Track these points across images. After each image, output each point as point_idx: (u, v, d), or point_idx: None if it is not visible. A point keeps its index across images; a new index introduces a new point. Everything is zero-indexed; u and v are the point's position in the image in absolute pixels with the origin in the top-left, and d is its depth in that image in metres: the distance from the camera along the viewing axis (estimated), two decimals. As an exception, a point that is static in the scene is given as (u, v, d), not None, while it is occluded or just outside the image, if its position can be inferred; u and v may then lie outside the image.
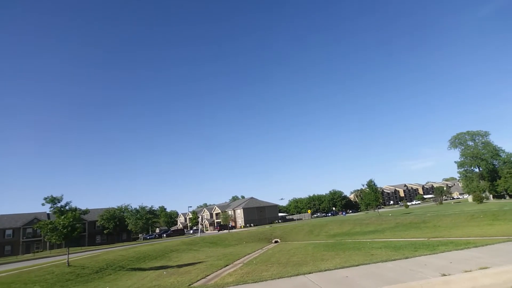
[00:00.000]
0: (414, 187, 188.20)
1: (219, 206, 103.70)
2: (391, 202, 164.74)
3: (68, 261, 24.72)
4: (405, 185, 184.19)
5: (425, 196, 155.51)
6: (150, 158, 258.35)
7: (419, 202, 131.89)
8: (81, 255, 33.78)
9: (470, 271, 6.62)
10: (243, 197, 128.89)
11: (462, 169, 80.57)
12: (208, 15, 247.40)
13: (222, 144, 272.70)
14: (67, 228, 23.25)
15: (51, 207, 24.55)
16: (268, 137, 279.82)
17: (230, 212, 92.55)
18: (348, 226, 45.70)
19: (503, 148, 78.04)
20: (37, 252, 59.91)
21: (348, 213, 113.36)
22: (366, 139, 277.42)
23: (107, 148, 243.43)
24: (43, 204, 24.60)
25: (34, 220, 65.61)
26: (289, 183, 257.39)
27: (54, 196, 24.54)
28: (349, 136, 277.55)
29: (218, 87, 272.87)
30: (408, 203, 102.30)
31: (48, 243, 60.06)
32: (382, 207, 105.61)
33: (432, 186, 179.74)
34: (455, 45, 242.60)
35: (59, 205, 24.55)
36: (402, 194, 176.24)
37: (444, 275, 6.53)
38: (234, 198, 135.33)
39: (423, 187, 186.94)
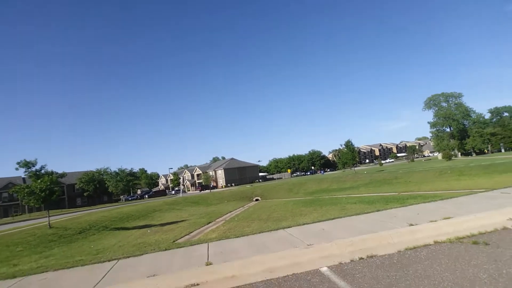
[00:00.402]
0: (389, 146, 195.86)
1: (200, 167, 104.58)
2: (367, 160, 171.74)
3: (49, 223, 24.68)
4: (380, 145, 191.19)
5: (398, 155, 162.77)
6: (129, 119, 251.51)
7: (392, 160, 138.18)
8: (62, 217, 33.74)
9: (435, 221, 7.18)
10: (223, 158, 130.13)
11: (434, 129, 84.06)
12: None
13: (202, 103, 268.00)
14: (45, 192, 22.91)
15: (25, 171, 23.94)
16: (248, 97, 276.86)
17: (211, 173, 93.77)
18: (325, 184, 47.67)
19: (474, 109, 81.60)
20: (16, 215, 59.20)
21: (326, 171, 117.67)
22: (345, 100, 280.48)
23: (84, 109, 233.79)
24: (16, 169, 23.94)
25: (9, 184, 64.06)
26: (270, 143, 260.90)
27: (27, 160, 23.81)
28: (329, 97, 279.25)
29: (203, 43, 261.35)
30: (383, 161, 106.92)
31: (26, 207, 59.36)
32: (358, 166, 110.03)
33: (406, 145, 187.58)
34: (437, 8, 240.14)
35: (33, 169, 23.94)
36: (377, 153, 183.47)
37: (412, 224, 7.07)
38: (215, 159, 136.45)
39: (397, 146, 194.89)
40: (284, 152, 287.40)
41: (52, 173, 24.94)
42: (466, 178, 29.00)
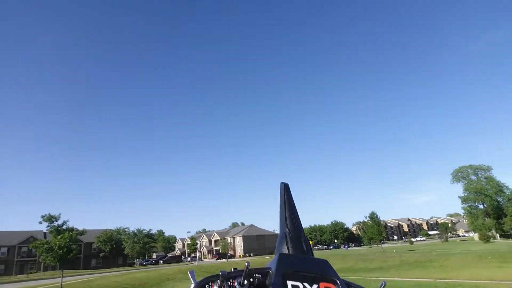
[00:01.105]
0: (418, 221, 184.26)
1: (218, 233, 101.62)
2: (395, 237, 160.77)
3: (61, 284, 23.97)
4: (408, 219, 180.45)
5: (429, 232, 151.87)
6: (151, 180, 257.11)
7: (423, 238, 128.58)
8: (75, 279, 32.74)
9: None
10: (243, 223, 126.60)
11: (466, 205, 78.90)
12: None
13: (223, 168, 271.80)
14: (62, 249, 22.87)
15: (48, 226, 24.33)
16: (270, 166, 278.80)
17: (229, 240, 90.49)
18: (351, 262, 44.31)
19: (506, 184, 76.96)
20: (31, 273, 58.32)
21: (350, 246, 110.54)
22: (368, 170, 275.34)
23: (107, 168, 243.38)
24: (40, 223, 24.56)
25: (30, 238, 64.41)
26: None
27: (51, 214, 24.51)
28: (350, 165, 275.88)
29: (218, 101, 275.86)
30: (413, 239, 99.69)
31: (42, 264, 58.51)
32: (386, 242, 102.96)
33: (437, 221, 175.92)
34: (456, 77, 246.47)
35: (56, 224, 24.34)
36: (406, 229, 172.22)
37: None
38: (234, 225, 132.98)
39: (427, 222, 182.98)
40: (305, 221, 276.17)
41: (72, 229, 25.26)
42: (510, 265, 26.08)
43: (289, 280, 0.75)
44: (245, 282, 0.74)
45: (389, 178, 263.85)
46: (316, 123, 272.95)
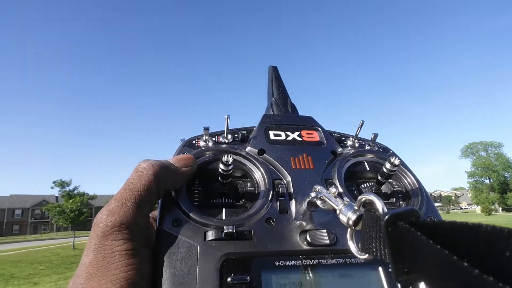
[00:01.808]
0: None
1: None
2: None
3: (73, 244, 25.22)
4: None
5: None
6: (160, 147, 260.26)
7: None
8: (87, 239, 34.41)
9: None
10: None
11: (472, 180, 79.22)
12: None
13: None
14: (74, 212, 23.76)
15: (59, 191, 25.04)
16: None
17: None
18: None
19: (516, 161, 76.51)
20: (44, 233, 61.42)
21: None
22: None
23: (119, 136, 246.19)
24: (52, 188, 25.11)
25: (42, 202, 67.00)
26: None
27: (63, 180, 25.01)
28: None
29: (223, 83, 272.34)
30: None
31: (55, 225, 61.39)
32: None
33: (440, 194, 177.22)
34: (468, 49, 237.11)
35: (67, 189, 25.02)
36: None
37: None
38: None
39: (431, 195, 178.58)
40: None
41: (83, 194, 25.94)
42: (509, 236, 26.55)
43: (271, 131, 0.76)
44: (229, 136, 0.74)
45: (397, 149, 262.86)
46: (318, 94, 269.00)
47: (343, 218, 0.44)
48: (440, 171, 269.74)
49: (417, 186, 0.77)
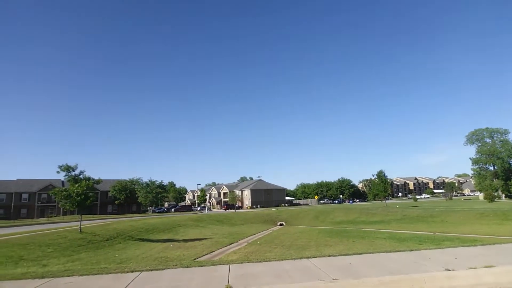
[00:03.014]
0: (425, 180, 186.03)
1: (227, 186, 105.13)
2: (400, 194, 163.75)
3: (80, 227, 25.71)
4: (415, 178, 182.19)
5: (435, 191, 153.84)
6: (164, 133, 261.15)
7: (428, 196, 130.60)
8: (92, 223, 35.08)
9: (475, 268, 6.59)
10: (251, 178, 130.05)
11: (477, 166, 78.81)
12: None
13: (234, 125, 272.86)
14: (80, 196, 24.06)
15: (65, 175, 25.28)
16: (281, 123, 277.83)
17: (237, 193, 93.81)
18: (354, 215, 45.84)
19: (521, 148, 75.78)
20: (51, 217, 62.51)
21: (355, 201, 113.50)
22: (379, 130, 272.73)
23: (123, 121, 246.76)
24: (58, 172, 25.31)
25: (49, 186, 68.00)
26: (299, 168, 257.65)
27: (69, 164, 25.20)
28: (362, 125, 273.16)
29: (230, 67, 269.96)
30: (417, 197, 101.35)
31: (61, 209, 62.39)
32: (390, 199, 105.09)
33: (444, 181, 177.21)
34: (473, 37, 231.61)
35: (73, 173, 25.23)
36: (411, 187, 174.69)
37: (448, 270, 6.53)
38: (243, 179, 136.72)
39: (434, 182, 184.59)
40: (312, 177, 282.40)
41: (89, 178, 26.18)
42: (511, 223, 26.62)
43: None
44: None
45: (401, 139, 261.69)
46: (329, 84, 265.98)
47: None
48: (444, 158, 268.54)
49: None
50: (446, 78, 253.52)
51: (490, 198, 57.17)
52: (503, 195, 73.84)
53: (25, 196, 69.46)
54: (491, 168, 76.99)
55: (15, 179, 72.80)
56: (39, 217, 64.56)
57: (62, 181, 69.56)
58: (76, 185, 24.27)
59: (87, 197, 24.99)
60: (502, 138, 75.71)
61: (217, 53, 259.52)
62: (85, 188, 24.44)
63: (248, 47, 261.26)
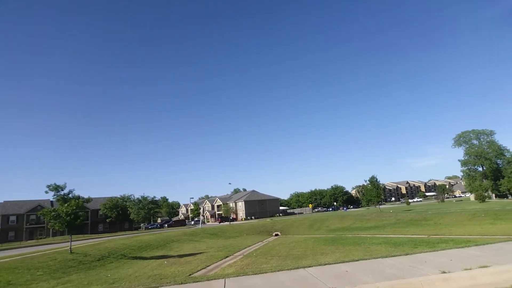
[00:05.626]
0: (417, 184, 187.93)
1: (220, 198, 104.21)
2: (393, 198, 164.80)
3: (70, 248, 25.00)
4: (407, 182, 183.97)
5: (427, 194, 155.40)
6: (154, 150, 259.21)
7: (420, 199, 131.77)
8: (83, 243, 34.18)
9: (470, 269, 6.61)
10: (244, 190, 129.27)
11: (466, 168, 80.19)
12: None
13: (225, 137, 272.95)
14: (70, 216, 23.43)
15: (54, 195, 24.68)
16: (272, 132, 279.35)
17: (231, 205, 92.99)
18: (348, 221, 45.80)
19: (508, 148, 77.60)
20: (41, 238, 60.72)
21: (349, 208, 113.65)
22: (369, 136, 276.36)
23: (111, 139, 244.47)
24: (46, 192, 24.70)
25: (37, 207, 66.31)
26: (291, 177, 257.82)
27: (57, 184, 24.65)
28: (352, 132, 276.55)
29: (221, 80, 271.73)
30: (410, 200, 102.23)
31: (51, 230, 60.85)
32: (384, 204, 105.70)
33: (435, 183, 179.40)
34: (460, 42, 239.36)
35: (62, 193, 24.66)
36: (404, 191, 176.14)
37: (444, 272, 6.53)
38: (236, 191, 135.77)
39: (425, 185, 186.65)
40: (305, 186, 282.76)
41: (78, 197, 25.60)
42: (502, 222, 26.92)
43: None
44: None
45: (393, 144, 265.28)
46: (320, 90, 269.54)
47: None
48: (434, 161, 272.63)
49: None
50: (433, 81, 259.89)
51: (481, 198, 57.95)
52: (493, 195, 75.01)
53: (12, 218, 67.46)
54: (480, 169, 78.41)
55: (1, 201, 70.83)
56: (28, 239, 62.63)
57: (51, 201, 67.97)
58: (66, 205, 23.67)
59: (77, 216, 24.35)
60: (488, 139, 77.44)
61: (207, 61, 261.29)
62: (74, 208, 23.83)
63: (237, 54, 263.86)
